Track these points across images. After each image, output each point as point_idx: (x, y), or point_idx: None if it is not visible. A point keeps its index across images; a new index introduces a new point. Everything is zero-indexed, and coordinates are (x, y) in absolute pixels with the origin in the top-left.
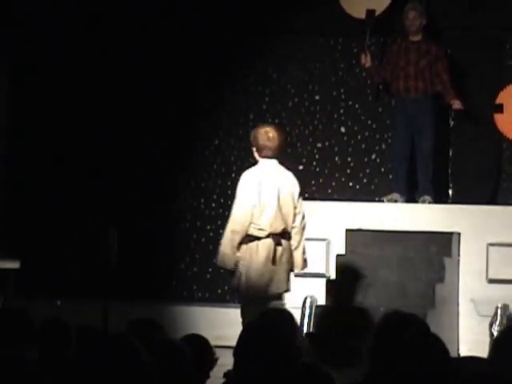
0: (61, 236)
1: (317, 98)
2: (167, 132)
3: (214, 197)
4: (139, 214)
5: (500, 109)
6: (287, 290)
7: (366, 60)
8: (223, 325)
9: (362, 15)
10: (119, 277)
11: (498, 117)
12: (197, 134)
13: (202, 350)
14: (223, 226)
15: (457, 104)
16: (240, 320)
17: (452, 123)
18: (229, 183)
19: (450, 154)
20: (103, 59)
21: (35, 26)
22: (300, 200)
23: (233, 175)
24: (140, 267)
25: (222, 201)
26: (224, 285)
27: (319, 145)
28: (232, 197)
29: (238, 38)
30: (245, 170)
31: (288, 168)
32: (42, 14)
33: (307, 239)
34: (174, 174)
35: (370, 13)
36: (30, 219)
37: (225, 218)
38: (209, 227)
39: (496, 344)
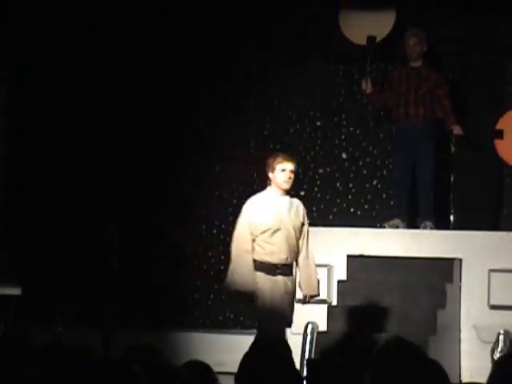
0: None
1: (318, 123)
2: (171, 159)
3: (216, 223)
4: (142, 244)
5: (500, 135)
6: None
7: (367, 86)
8: (224, 351)
9: (363, 41)
10: (121, 303)
11: (498, 143)
12: (198, 161)
13: (204, 377)
14: (224, 252)
15: (457, 130)
16: (241, 346)
17: (453, 149)
18: (230, 209)
19: (451, 179)
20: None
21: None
22: (307, 225)
23: (234, 201)
24: (141, 292)
25: (223, 227)
26: (225, 311)
27: (320, 171)
28: (233, 223)
29: (238, 63)
30: (245, 196)
31: (292, 194)
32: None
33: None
34: (177, 201)
35: (371, 39)
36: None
37: (226, 244)
38: (210, 253)
39: (496, 370)
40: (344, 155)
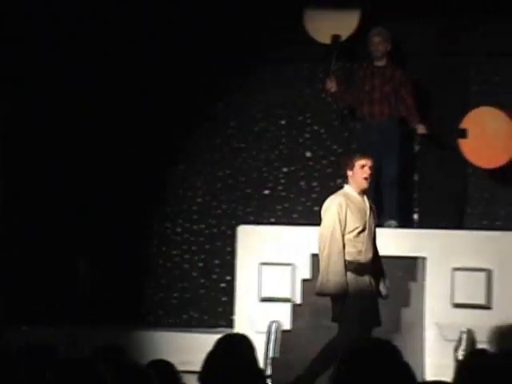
0: (30, 264)
1: (282, 122)
2: (135, 158)
3: (180, 221)
4: (107, 239)
5: (464, 134)
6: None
7: (332, 85)
8: (189, 350)
9: (328, 41)
10: (87, 302)
11: (462, 142)
12: (163, 160)
13: (168, 376)
14: (189, 251)
15: (421, 129)
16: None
17: (417, 148)
18: (194, 208)
19: (415, 178)
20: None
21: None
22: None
23: (198, 200)
24: (106, 293)
25: (187, 225)
26: (189, 310)
27: (285, 169)
28: (198, 221)
29: (204, 63)
30: (211, 194)
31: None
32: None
33: (272, 264)
34: (141, 199)
35: (336, 38)
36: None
37: (190, 242)
38: (175, 252)
39: (460, 368)
40: (308, 154)
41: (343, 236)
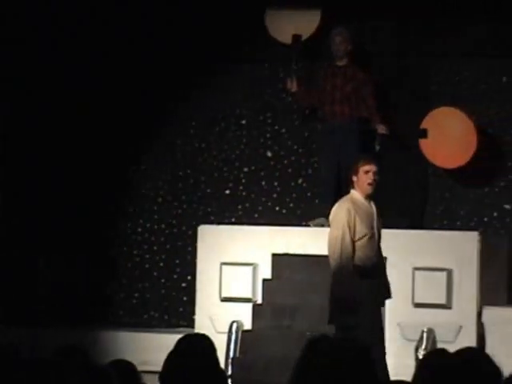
0: None
1: (243, 122)
2: (97, 158)
3: (141, 221)
4: (67, 239)
5: (424, 134)
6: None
7: (293, 85)
8: (150, 350)
9: (289, 40)
10: (48, 302)
11: (422, 142)
12: (124, 160)
13: (128, 375)
14: (150, 251)
15: (382, 129)
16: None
17: (377, 148)
18: (155, 208)
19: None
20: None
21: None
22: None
23: (159, 199)
24: (67, 293)
25: (147, 226)
26: (150, 310)
27: (246, 169)
28: (159, 221)
29: (167, 64)
30: (171, 194)
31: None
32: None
33: (233, 264)
34: (102, 199)
35: (297, 38)
36: None
37: (151, 242)
38: (135, 252)
39: (420, 368)
40: (269, 154)
41: (353, 241)
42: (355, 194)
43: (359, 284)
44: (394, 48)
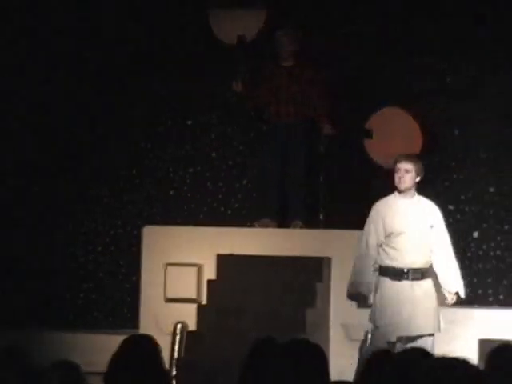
0: None
1: (188, 122)
2: (39, 158)
3: (85, 222)
4: (10, 239)
5: (369, 134)
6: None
7: (238, 86)
8: (94, 351)
9: (234, 41)
10: None
11: (367, 142)
12: (68, 160)
13: (72, 376)
14: (94, 252)
15: (328, 129)
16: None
17: (323, 148)
18: (99, 208)
19: (321, 178)
20: None
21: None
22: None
23: (104, 200)
24: (10, 294)
25: (92, 226)
26: (94, 311)
27: (191, 170)
28: (103, 222)
29: (112, 63)
30: (116, 195)
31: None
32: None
33: (178, 265)
34: (45, 199)
35: (241, 38)
36: None
37: (95, 243)
38: (79, 253)
39: (364, 368)
40: (214, 154)
41: (381, 242)
42: (396, 192)
43: (380, 284)
44: (342, 47)
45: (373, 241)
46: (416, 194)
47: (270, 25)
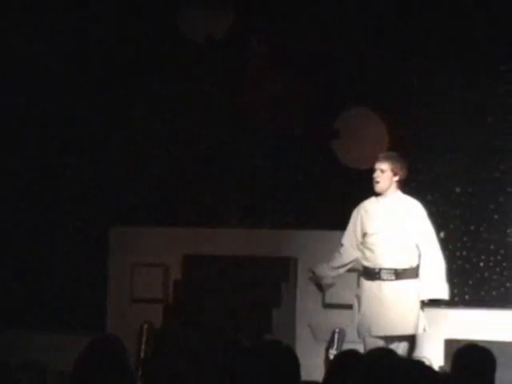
0: None
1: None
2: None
3: (52, 222)
4: None
5: (336, 135)
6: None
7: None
8: (61, 351)
9: (202, 41)
10: None
11: (334, 142)
12: (36, 160)
13: (38, 376)
14: (60, 253)
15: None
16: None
17: (292, 149)
18: (67, 208)
19: (288, 179)
20: None
21: None
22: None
23: (71, 201)
24: None
25: (58, 227)
26: (62, 312)
27: (157, 171)
28: (70, 223)
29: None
30: (83, 195)
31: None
32: None
33: (145, 265)
34: (9, 200)
35: (209, 39)
36: None
37: (62, 244)
38: (46, 254)
39: (331, 368)
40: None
41: (360, 242)
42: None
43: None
44: (311, 47)
45: (351, 240)
46: (399, 192)
47: (237, 26)
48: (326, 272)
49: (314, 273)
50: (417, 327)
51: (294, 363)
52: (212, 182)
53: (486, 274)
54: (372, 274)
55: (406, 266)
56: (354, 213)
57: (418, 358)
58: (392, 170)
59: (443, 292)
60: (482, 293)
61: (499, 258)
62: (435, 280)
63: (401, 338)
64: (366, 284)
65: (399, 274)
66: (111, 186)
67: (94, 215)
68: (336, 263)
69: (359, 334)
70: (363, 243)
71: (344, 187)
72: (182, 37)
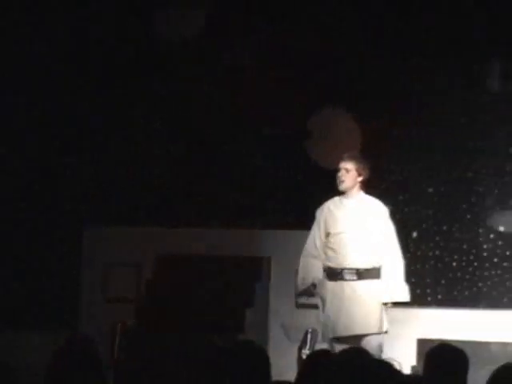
0: None
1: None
2: None
3: (25, 223)
4: None
5: (309, 135)
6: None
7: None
8: (34, 351)
9: (177, 41)
10: None
11: (308, 143)
12: (9, 162)
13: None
14: (34, 253)
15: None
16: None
17: (261, 151)
18: (40, 208)
19: (259, 178)
20: None
21: None
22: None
23: (45, 201)
24: None
25: (31, 228)
26: (35, 311)
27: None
28: (43, 222)
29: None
30: (57, 195)
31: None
32: None
33: (118, 265)
34: None
35: (182, 39)
36: None
37: (36, 244)
38: (20, 254)
39: (304, 368)
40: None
41: (323, 242)
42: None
43: (322, 283)
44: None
45: (317, 241)
46: (362, 193)
47: (210, 26)
48: (311, 279)
49: (298, 285)
50: (381, 326)
51: (265, 363)
52: (188, 181)
53: (459, 274)
54: (334, 274)
55: (369, 266)
56: (318, 213)
57: (387, 360)
58: (357, 170)
59: (404, 294)
60: (455, 292)
61: (472, 257)
62: (396, 283)
63: (368, 338)
64: (329, 284)
65: (361, 274)
66: (86, 185)
67: (69, 214)
68: (316, 265)
69: (323, 335)
70: (326, 243)
71: (312, 187)
72: (158, 37)
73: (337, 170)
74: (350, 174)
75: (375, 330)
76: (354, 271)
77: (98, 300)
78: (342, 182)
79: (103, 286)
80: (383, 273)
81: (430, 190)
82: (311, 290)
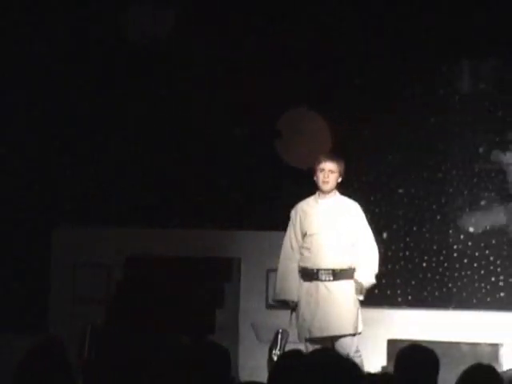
0: None
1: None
2: None
3: None
4: None
5: (279, 135)
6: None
7: None
8: (3, 353)
9: (146, 40)
10: None
11: (277, 142)
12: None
13: None
14: (3, 253)
15: (238, 131)
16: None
17: (237, 150)
18: (9, 209)
19: (229, 179)
20: None
21: None
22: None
23: (14, 201)
24: None
25: (1, 227)
26: (5, 313)
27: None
28: (13, 223)
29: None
30: (26, 196)
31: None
32: None
33: (88, 266)
34: None
35: (153, 38)
36: None
37: (4, 245)
38: None
39: (274, 369)
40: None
41: (299, 243)
42: (317, 192)
43: (300, 286)
44: (256, 48)
45: (293, 242)
46: (337, 194)
47: (181, 26)
48: (291, 281)
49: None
50: (356, 327)
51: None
52: (158, 182)
53: (429, 275)
54: (310, 274)
55: (345, 267)
56: (292, 214)
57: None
58: (339, 172)
59: (371, 277)
60: (425, 293)
61: (442, 258)
62: (366, 270)
63: (343, 339)
64: (304, 285)
65: (337, 275)
66: (56, 185)
67: (38, 215)
68: (294, 267)
69: (299, 335)
70: (302, 244)
71: (286, 187)
72: (124, 37)
73: (314, 171)
74: (333, 175)
75: (351, 331)
76: (330, 272)
77: (68, 301)
78: (327, 183)
79: (73, 287)
80: (359, 260)
81: (400, 190)
82: (290, 305)
